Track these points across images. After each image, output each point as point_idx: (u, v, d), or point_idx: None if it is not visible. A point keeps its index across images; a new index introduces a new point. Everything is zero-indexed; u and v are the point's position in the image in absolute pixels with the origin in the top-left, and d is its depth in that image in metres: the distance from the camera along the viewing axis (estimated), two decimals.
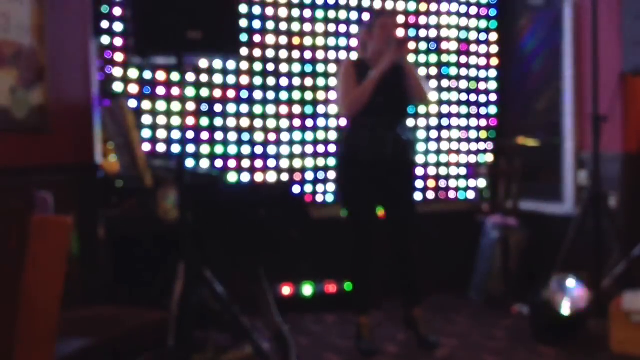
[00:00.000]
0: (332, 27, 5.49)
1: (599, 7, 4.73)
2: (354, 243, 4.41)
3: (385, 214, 4.46)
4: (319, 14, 5.46)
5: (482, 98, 6.05)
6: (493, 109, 6.08)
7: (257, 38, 5.28)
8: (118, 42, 4.81)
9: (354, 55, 4.53)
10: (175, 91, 4.92)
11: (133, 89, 4.89)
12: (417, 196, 5.50)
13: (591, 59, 4.77)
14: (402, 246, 4.45)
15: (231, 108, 5.20)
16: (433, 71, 5.84)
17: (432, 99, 4.52)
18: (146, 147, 4.84)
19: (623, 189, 4.99)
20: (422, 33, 5.80)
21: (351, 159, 4.40)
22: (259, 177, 5.27)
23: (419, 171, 5.72)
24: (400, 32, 4.58)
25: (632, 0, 4.69)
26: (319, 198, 5.48)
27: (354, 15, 5.55)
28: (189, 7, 3.42)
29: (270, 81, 5.32)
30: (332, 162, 5.50)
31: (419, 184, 5.74)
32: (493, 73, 6.07)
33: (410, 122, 4.63)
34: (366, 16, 5.57)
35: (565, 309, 4.34)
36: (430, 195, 5.85)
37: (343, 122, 4.53)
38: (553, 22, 5.58)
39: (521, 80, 5.92)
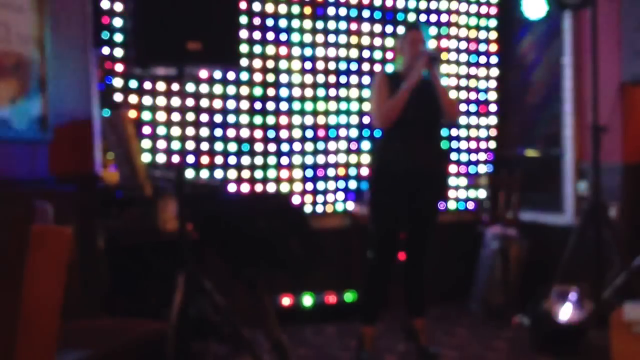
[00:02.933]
0: (332, 38, 5.50)
1: (599, 17, 4.73)
2: (375, 254, 4.37)
3: (409, 222, 4.44)
4: (319, 25, 5.47)
5: (482, 108, 6.06)
6: (493, 120, 6.09)
7: (257, 49, 5.28)
8: (118, 52, 4.82)
9: (388, 68, 4.55)
10: (176, 102, 4.92)
11: (133, 99, 4.89)
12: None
13: (591, 69, 4.77)
14: (417, 257, 4.45)
15: (231, 118, 5.20)
16: None
17: (459, 115, 4.56)
18: (146, 157, 4.84)
19: (623, 199, 4.99)
20: None
21: (384, 170, 4.39)
22: (258, 188, 5.26)
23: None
24: (431, 45, 4.58)
25: (632, 11, 4.71)
26: (319, 209, 5.47)
27: (353, 26, 5.56)
28: (189, 18, 3.43)
29: (270, 92, 5.33)
30: (331, 172, 5.50)
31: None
32: (493, 83, 6.08)
33: (443, 132, 4.63)
34: (366, 27, 5.61)
35: (564, 316, 4.34)
36: None
37: (376, 133, 4.50)
38: (553, 32, 5.59)
39: (521, 91, 5.93)
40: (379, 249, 4.37)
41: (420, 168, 4.33)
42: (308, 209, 5.41)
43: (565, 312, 4.37)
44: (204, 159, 5.11)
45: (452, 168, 5.93)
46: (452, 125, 5.73)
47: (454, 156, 5.94)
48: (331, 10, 5.49)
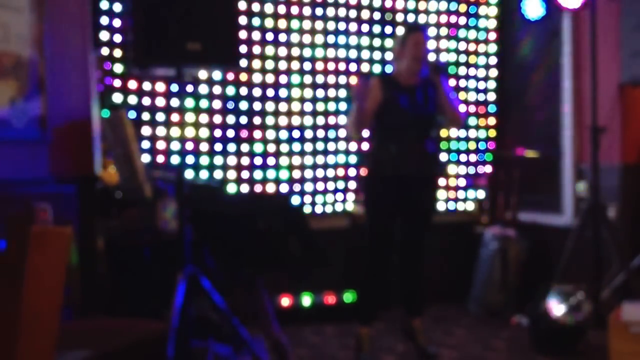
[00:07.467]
0: (331, 39, 5.50)
1: (598, 18, 4.74)
2: (370, 255, 4.38)
3: (402, 223, 4.45)
4: (319, 25, 5.47)
5: (482, 109, 6.06)
6: (492, 120, 6.09)
7: (256, 49, 5.29)
8: (117, 53, 4.82)
9: (387, 69, 4.52)
10: (175, 102, 4.92)
11: (132, 100, 4.89)
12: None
13: (590, 70, 4.78)
14: (413, 257, 4.46)
15: (230, 119, 5.20)
16: None
17: (464, 122, 4.54)
18: (145, 158, 4.84)
19: (622, 200, 5.00)
20: None
21: (377, 173, 4.39)
22: (258, 188, 5.26)
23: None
24: (431, 47, 4.56)
25: (631, 12, 4.72)
26: (318, 209, 5.47)
27: (353, 27, 5.56)
28: (188, 19, 3.43)
29: (270, 92, 5.33)
30: (330, 173, 5.50)
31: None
32: (492, 84, 6.08)
33: (435, 135, 4.62)
34: (365, 27, 5.61)
35: (563, 316, 4.35)
36: None
37: (371, 135, 4.49)
38: (552, 33, 5.60)
39: (520, 92, 5.93)
40: (374, 252, 4.38)
41: (413, 173, 4.32)
42: (307, 209, 5.42)
43: (564, 312, 4.38)
44: (204, 160, 5.11)
45: (452, 168, 5.93)
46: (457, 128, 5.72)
47: (453, 157, 5.94)
48: (330, 11, 5.50)
